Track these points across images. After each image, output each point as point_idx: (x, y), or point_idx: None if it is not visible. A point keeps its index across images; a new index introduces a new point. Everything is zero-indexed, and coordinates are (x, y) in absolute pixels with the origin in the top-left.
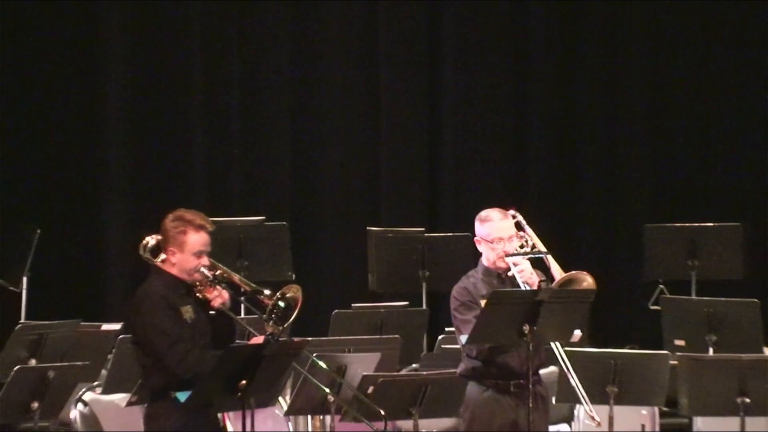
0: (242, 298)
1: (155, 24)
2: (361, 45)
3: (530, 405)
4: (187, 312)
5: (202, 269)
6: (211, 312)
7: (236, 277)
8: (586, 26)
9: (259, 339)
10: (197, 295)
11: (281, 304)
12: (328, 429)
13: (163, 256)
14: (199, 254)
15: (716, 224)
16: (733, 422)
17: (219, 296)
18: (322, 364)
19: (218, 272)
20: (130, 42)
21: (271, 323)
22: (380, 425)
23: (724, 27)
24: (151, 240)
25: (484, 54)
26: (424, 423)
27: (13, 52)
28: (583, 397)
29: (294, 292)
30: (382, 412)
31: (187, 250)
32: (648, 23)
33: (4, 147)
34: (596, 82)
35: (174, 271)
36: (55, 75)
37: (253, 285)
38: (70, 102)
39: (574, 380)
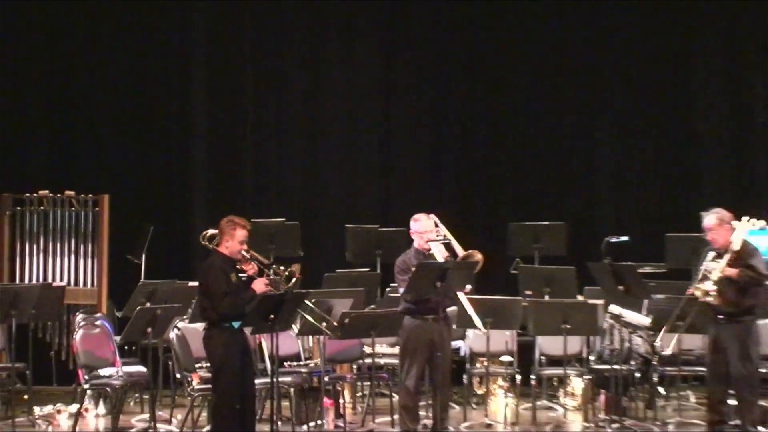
0: (266, 270)
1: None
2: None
3: (441, 328)
4: (234, 277)
5: (243, 252)
6: (245, 277)
7: (261, 257)
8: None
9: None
10: (238, 267)
11: (288, 273)
12: (321, 345)
13: (216, 242)
14: (242, 242)
15: (549, 223)
16: (559, 339)
17: (251, 268)
18: (313, 306)
19: (251, 254)
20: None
21: (283, 283)
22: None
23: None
24: (209, 232)
25: (422, 102)
26: (378, 340)
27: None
28: (475, 318)
29: (295, 267)
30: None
31: (235, 239)
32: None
33: (127, 167)
34: (477, 116)
35: (226, 252)
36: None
37: (269, 261)
38: (168, 131)
39: (473, 312)
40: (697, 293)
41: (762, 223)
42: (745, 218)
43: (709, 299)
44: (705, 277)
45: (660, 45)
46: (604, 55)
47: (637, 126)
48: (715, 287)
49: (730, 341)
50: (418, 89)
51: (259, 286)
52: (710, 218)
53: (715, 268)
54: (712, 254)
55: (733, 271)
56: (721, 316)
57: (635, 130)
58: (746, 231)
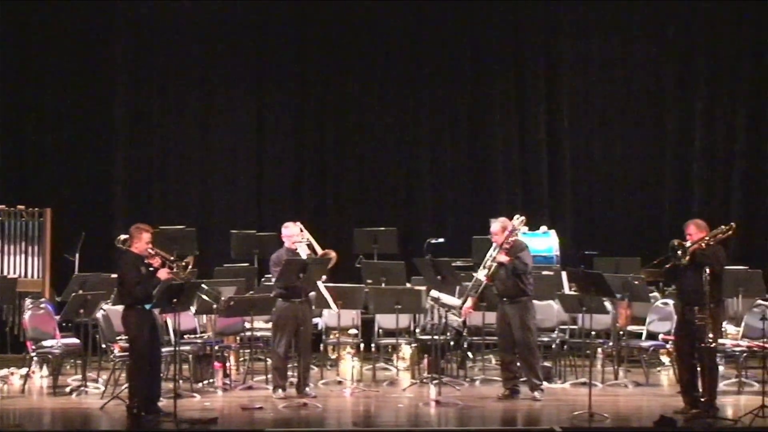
0: (168, 261)
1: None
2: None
3: (305, 308)
4: (143, 269)
5: (149, 249)
6: (152, 269)
7: (164, 253)
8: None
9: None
10: (146, 261)
11: (185, 263)
12: (212, 321)
13: (128, 244)
14: (147, 242)
15: (385, 228)
16: (392, 316)
17: (156, 261)
18: (205, 296)
19: (155, 251)
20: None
21: (182, 273)
22: (239, 318)
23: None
24: (121, 237)
25: (287, 138)
26: (256, 318)
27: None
28: (330, 299)
29: (190, 260)
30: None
31: (142, 240)
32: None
33: (65, 187)
34: (328, 148)
35: (136, 251)
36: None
37: (172, 257)
38: (96, 161)
39: (328, 296)
40: (479, 276)
41: (544, 227)
42: (515, 215)
43: (484, 280)
44: (485, 264)
45: (458, 77)
46: (420, 84)
47: (445, 150)
48: (487, 271)
49: (512, 317)
50: (283, 128)
51: (163, 273)
52: (495, 225)
53: (493, 256)
54: (495, 245)
55: (505, 258)
56: (504, 298)
57: (445, 154)
58: (521, 229)
